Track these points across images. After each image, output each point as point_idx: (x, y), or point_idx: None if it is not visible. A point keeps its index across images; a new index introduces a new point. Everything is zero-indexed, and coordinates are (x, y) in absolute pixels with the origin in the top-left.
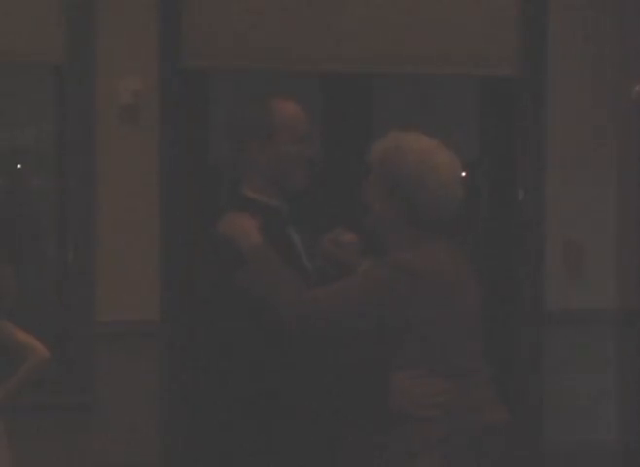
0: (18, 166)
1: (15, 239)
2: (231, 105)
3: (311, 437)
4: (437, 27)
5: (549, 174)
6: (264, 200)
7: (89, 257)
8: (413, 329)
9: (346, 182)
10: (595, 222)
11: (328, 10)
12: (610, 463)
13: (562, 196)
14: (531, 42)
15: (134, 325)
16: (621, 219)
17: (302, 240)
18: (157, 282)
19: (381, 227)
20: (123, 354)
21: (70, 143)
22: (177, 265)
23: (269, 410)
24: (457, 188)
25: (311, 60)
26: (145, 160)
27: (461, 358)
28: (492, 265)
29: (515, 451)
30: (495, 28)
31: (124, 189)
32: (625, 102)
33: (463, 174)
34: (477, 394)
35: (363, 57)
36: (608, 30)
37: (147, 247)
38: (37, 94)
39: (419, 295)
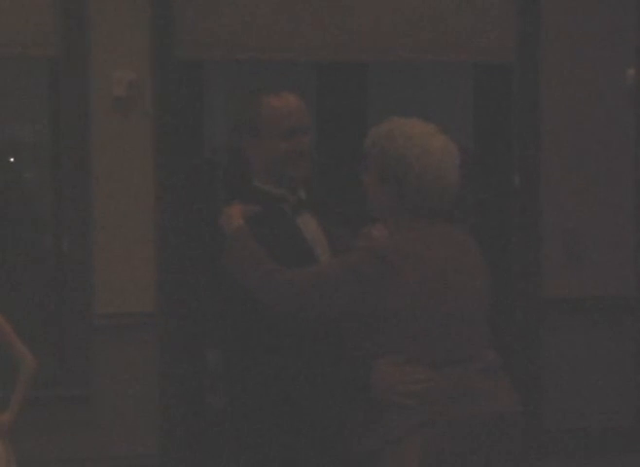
0: (12, 160)
1: (11, 232)
2: (225, 96)
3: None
4: (432, 15)
5: (544, 161)
6: (266, 189)
7: (86, 249)
8: (391, 315)
9: (341, 171)
10: (592, 208)
11: None
12: (610, 449)
13: (559, 182)
14: (525, 28)
15: (131, 317)
16: (618, 205)
17: (325, 230)
18: (153, 274)
19: (377, 211)
20: (120, 346)
21: (65, 135)
22: (173, 256)
23: (269, 400)
24: (449, 174)
25: (305, 49)
26: (140, 151)
27: (451, 345)
28: (489, 252)
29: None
30: (489, 15)
31: (119, 181)
32: (620, 87)
33: (457, 161)
34: (471, 383)
35: (357, 45)
36: (601, 15)
37: (143, 239)
38: (31, 88)
39: (397, 282)
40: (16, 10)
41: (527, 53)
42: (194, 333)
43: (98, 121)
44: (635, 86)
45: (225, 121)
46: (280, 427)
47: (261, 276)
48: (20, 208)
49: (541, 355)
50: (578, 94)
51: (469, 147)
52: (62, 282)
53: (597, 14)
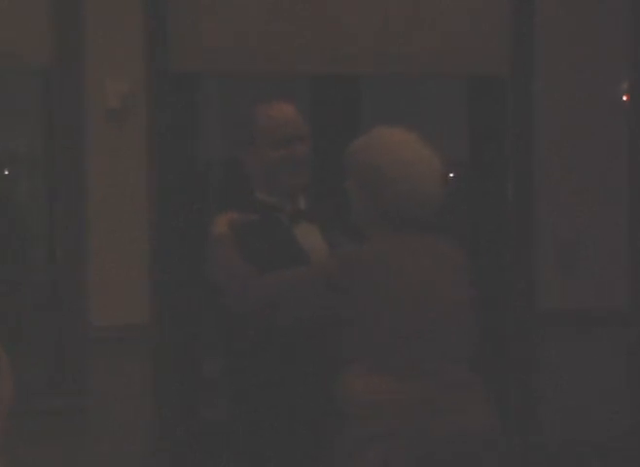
0: (6, 172)
1: (3, 245)
2: (220, 108)
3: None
4: (425, 26)
5: (539, 173)
6: (262, 198)
7: (80, 261)
8: (358, 322)
9: (334, 181)
10: (588, 220)
11: (316, 11)
12: (606, 462)
13: (553, 194)
14: (518, 41)
15: (127, 328)
16: (613, 217)
17: (327, 240)
18: (149, 286)
19: (356, 219)
20: (115, 358)
21: (58, 147)
22: (168, 267)
23: (265, 408)
24: (427, 184)
25: (300, 62)
26: (133, 163)
27: (420, 357)
28: (483, 264)
29: (508, 452)
30: (483, 28)
31: (112, 192)
32: (615, 101)
33: (445, 172)
34: (436, 397)
35: (351, 57)
36: (596, 28)
37: (137, 250)
38: (24, 98)
39: (366, 289)
40: (8, 20)
41: (521, 66)
42: (190, 344)
43: (92, 132)
44: (630, 100)
45: (220, 132)
46: (279, 433)
47: (234, 283)
48: (13, 220)
49: (536, 368)
50: (573, 107)
51: (462, 161)
52: (57, 293)
53: (592, 26)
